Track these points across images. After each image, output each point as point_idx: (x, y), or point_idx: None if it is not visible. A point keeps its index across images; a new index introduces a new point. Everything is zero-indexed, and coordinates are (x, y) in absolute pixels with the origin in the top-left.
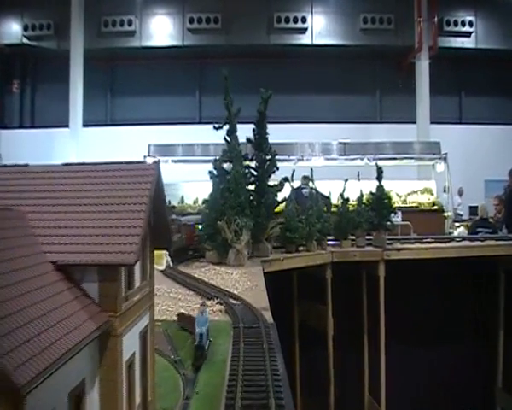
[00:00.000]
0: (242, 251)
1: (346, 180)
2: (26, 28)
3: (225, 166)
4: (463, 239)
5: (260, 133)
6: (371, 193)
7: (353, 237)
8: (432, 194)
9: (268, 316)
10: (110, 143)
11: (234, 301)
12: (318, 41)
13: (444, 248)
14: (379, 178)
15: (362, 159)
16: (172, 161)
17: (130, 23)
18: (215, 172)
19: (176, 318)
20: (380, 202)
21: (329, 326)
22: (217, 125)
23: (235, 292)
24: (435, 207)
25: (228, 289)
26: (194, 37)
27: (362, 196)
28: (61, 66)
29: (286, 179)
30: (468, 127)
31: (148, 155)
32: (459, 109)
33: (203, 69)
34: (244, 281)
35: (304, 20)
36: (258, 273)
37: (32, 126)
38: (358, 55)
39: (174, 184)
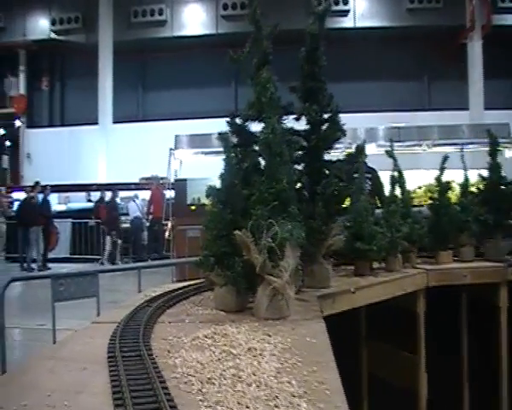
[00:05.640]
0: (285, 290)
1: (446, 158)
2: (53, 22)
3: (253, 129)
4: None
5: (313, 74)
6: (481, 177)
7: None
8: None
9: None
10: (141, 140)
11: None
12: (361, 24)
13: None
14: (493, 154)
15: (420, 145)
16: (203, 153)
17: (160, 12)
18: (233, 138)
19: None
20: (497, 190)
21: (421, 384)
22: (234, 55)
23: None
24: None
25: None
26: (229, 24)
27: (467, 180)
28: (90, 60)
29: (362, 149)
30: None
31: (175, 148)
32: None
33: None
34: (290, 386)
35: (345, 1)
36: (322, 346)
37: (62, 125)
38: (405, 37)
39: (205, 179)
